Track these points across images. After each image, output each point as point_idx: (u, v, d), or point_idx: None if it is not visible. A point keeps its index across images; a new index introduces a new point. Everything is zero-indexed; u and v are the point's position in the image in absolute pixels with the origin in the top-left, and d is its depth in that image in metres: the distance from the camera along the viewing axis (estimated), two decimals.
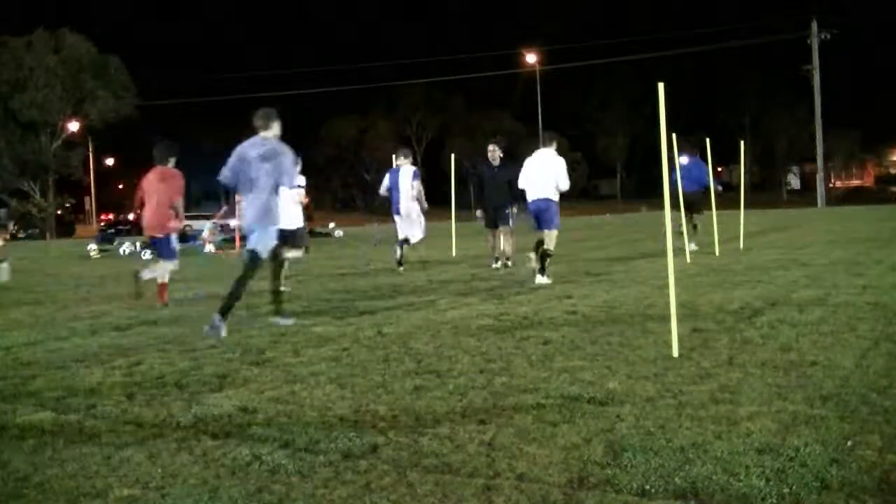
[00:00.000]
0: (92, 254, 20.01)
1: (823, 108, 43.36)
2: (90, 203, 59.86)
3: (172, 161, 8.59)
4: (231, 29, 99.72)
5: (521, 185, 9.74)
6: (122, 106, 52.10)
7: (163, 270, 8.50)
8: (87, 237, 33.64)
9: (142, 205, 8.61)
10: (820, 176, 45.39)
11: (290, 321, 6.66)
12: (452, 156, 16.75)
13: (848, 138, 66.14)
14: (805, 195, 60.74)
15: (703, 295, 7.32)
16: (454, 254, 14.49)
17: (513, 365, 4.68)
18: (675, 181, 11.54)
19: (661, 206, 5.52)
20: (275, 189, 6.74)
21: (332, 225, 33.23)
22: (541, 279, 9.04)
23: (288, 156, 6.95)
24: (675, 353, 4.69)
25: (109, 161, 67.54)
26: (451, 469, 2.97)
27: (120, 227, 47.75)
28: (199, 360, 5.18)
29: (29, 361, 5.41)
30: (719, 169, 15.29)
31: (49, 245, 31.59)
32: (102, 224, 46.57)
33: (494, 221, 11.47)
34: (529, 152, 9.88)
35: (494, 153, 11.70)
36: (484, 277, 10.12)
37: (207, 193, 78.80)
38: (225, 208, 35.80)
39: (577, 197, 68.58)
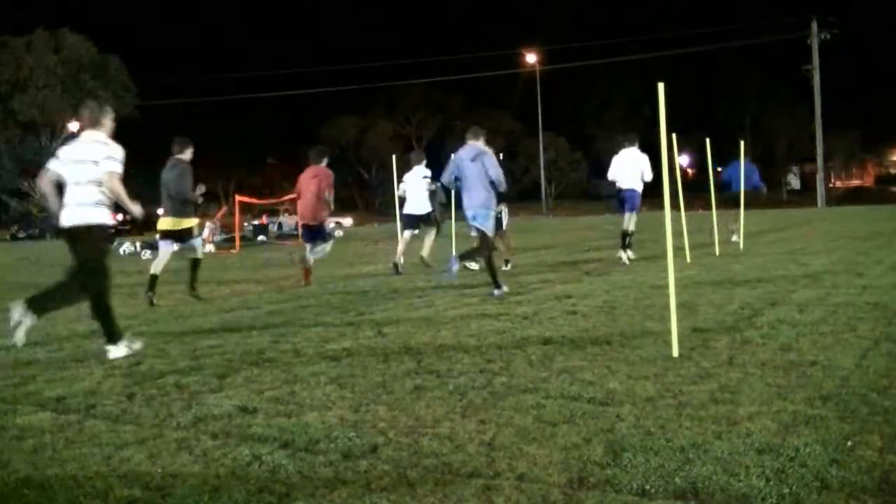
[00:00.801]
0: None
1: (823, 108, 43.40)
2: None
3: (325, 161, 9.65)
4: (231, 29, 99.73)
5: (611, 177, 11.50)
6: (122, 106, 52.05)
7: (322, 253, 10.19)
8: None
9: (298, 198, 10.20)
10: (820, 176, 45.40)
11: (503, 290, 7.94)
12: (452, 156, 16.74)
13: (848, 138, 66.16)
14: (805, 195, 60.73)
15: (703, 295, 7.32)
16: (454, 253, 14.47)
17: (513, 365, 4.68)
18: (731, 179, 14.11)
19: (661, 207, 5.52)
20: (490, 184, 8.03)
21: (332, 225, 33.24)
22: (623, 255, 10.91)
23: (490, 156, 8.19)
24: (675, 353, 4.69)
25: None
26: (451, 469, 2.97)
27: (120, 227, 47.76)
28: (199, 360, 5.18)
29: (29, 361, 5.41)
30: (719, 169, 15.47)
31: (49, 245, 31.60)
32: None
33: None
34: (615, 150, 11.92)
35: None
36: (484, 277, 10.10)
37: (206, 193, 78.87)
38: (225, 208, 35.80)
39: (576, 197, 68.71)
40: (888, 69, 66.62)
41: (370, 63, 79.83)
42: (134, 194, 5.79)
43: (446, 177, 8.68)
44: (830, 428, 3.23)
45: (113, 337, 5.48)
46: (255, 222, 32.51)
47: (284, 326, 6.52)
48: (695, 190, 22.87)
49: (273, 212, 42.36)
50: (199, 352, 5.50)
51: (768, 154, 68.74)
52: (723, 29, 75.83)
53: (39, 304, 5.79)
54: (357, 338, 5.84)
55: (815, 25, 42.95)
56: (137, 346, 5.61)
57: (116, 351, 5.42)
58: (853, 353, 4.59)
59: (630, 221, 11.38)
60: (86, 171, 5.60)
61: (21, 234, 48.91)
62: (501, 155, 18.97)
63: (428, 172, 11.76)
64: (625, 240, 11.32)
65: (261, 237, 26.06)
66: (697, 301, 6.92)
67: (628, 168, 11.47)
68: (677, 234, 10.51)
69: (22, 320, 5.64)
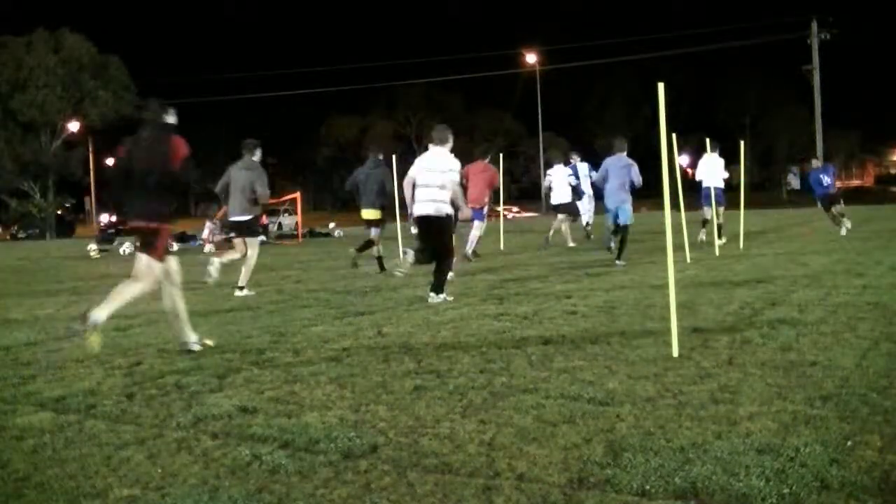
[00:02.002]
0: (92, 254, 20.02)
1: (823, 108, 43.36)
2: (90, 203, 59.86)
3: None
4: (231, 29, 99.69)
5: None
6: (122, 106, 52.11)
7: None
8: (88, 237, 33.66)
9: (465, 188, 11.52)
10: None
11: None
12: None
13: (848, 138, 66.18)
14: (805, 195, 60.67)
15: (703, 295, 7.32)
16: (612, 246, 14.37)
17: (513, 365, 4.68)
18: (819, 180, 15.65)
19: (662, 206, 5.52)
20: (630, 183, 10.77)
21: (332, 225, 33.24)
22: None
23: (634, 165, 10.80)
24: (675, 353, 4.69)
25: (109, 161, 67.52)
26: (451, 469, 2.97)
27: (120, 227, 47.80)
28: (199, 360, 5.18)
29: (29, 361, 5.41)
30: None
31: (49, 245, 31.60)
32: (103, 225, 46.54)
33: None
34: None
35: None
36: (484, 277, 10.11)
37: (206, 193, 78.92)
38: (225, 208, 35.85)
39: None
40: (888, 69, 66.52)
41: (370, 63, 79.74)
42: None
43: (598, 176, 11.58)
44: (830, 428, 3.23)
45: (439, 288, 7.75)
46: None
47: (284, 326, 6.52)
48: (694, 190, 22.88)
49: (273, 212, 42.34)
50: (199, 352, 5.50)
51: (768, 154, 68.80)
52: (723, 29, 75.74)
53: (418, 256, 7.88)
54: (357, 338, 5.84)
55: (815, 25, 42.93)
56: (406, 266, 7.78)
57: (436, 298, 7.63)
58: (853, 353, 4.59)
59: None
60: (437, 178, 7.84)
61: (21, 234, 48.88)
62: (501, 155, 19.20)
63: (570, 171, 15.30)
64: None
65: (261, 237, 26.02)
66: (697, 301, 6.92)
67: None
68: (677, 233, 10.51)
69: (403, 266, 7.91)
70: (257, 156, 9.49)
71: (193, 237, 25.44)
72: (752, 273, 9.06)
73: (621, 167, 10.81)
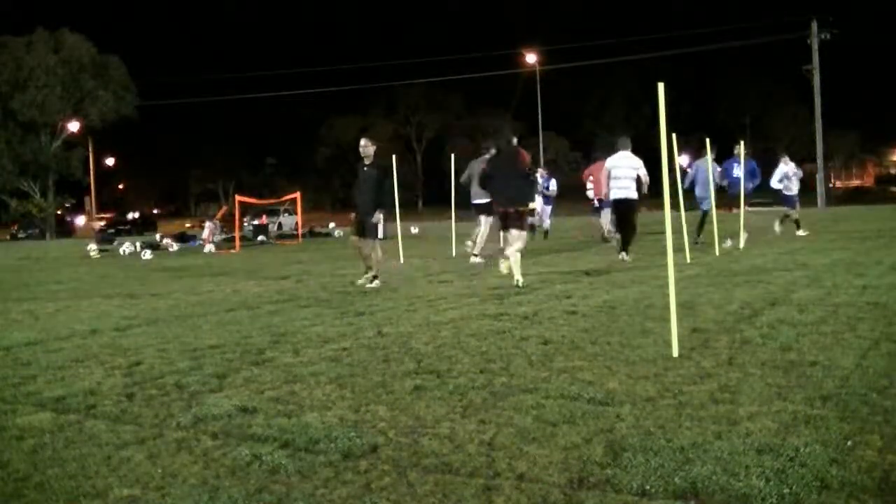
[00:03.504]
0: (92, 254, 20.02)
1: (823, 108, 43.34)
2: (90, 203, 59.89)
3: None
4: (231, 29, 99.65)
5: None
6: (122, 106, 52.09)
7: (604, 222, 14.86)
8: (88, 237, 33.67)
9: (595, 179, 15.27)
10: (820, 176, 45.34)
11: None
12: (452, 156, 16.77)
13: (848, 138, 66.13)
14: (805, 195, 60.61)
15: (703, 295, 7.32)
16: (454, 254, 14.48)
17: (513, 365, 4.68)
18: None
19: (661, 207, 5.52)
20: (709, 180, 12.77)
21: (332, 225, 33.26)
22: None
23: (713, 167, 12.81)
24: (675, 353, 4.69)
25: (109, 161, 67.59)
26: (451, 469, 2.97)
27: (120, 227, 47.82)
28: (199, 360, 5.18)
29: (29, 361, 5.41)
30: (719, 169, 15.64)
31: (49, 245, 31.61)
32: (103, 224, 46.60)
33: (361, 229, 9.78)
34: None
35: (367, 149, 9.88)
36: (484, 277, 10.11)
37: (206, 193, 78.88)
38: (225, 208, 35.78)
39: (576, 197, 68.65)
40: (888, 69, 66.42)
41: (370, 63, 79.70)
42: None
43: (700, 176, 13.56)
44: (830, 428, 3.23)
45: (626, 248, 10.81)
46: (255, 222, 32.53)
47: (284, 326, 6.52)
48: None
49: (273, 212, 42.37)
50: (199, 352, 5.50)
51: (768, 154, 68.81)
52: (723, 29, 75.67)
53: (624, 246, 11.17)
54: (357, 338, 5.84)
55: (815, 25, 42.91)
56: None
57: (626, 256, 10.61)
58: (853, 353, 4.59)
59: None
60: (627, 172, 11.52)
61: (21, 234, 48.89)
62: None
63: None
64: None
65: (261, 237, 26.05)
66: (697, 301, 6.92)
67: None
68: (677, 233, 10.51)
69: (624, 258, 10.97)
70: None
71: (193, 237, 25.44)
72: (752, 273, 9.06)
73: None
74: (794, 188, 16.29)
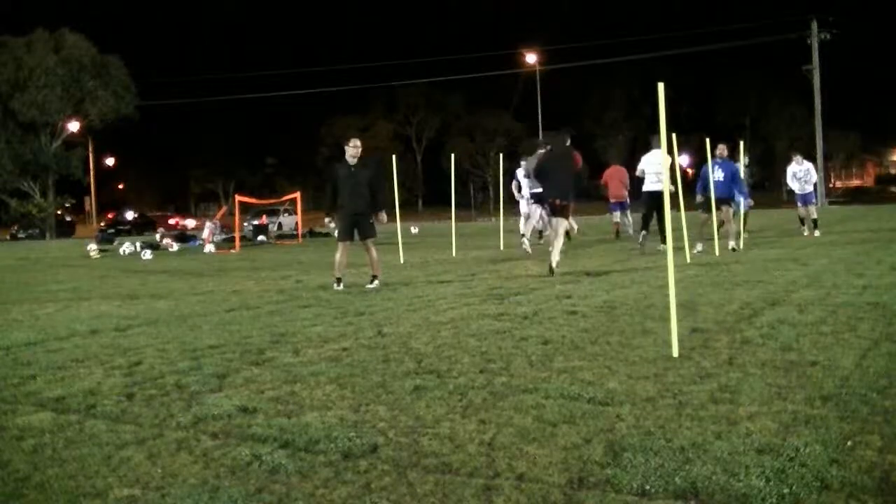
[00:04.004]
0: (92, 254, 20.01)
1: (823, 108, 43.36)
2: (90, 203, 59.85)
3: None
4: (231, 29, 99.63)
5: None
6: (122, 106, 52.03)
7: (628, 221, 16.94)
8: (88, 237, 33.66)
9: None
10: (820, 176, 45.33)
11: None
12: (452, 156, 16.77)
13: (848, 138, 66.12)
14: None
15: (703, 295, 7.32)
16: (454, 254, 14.49)
17: (513, 365, 4.68)
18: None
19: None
20: (734, 177, 12.84)
21: (332, 225, 33.22)
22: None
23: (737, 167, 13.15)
24: (675, 353, 4.69)
25: (109, 161, 67.61)
26: (451, 469, 2.97)
27: (120, 227, 47.78)
28: (199, 360, 5.18)
29: (29, 361, 5.41)
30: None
31: (49, 245, 31.61)
32: (103, 225, 46.60)
33: (351, 232, 9.73)
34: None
35: (359, 150, 9.85)
36: (484, 277, 10.12)
37: (206, 193, 78.88)
38: (225, 208, 35.76)
39: (576, 197, 68.62)
40: (888, 69, 66.41)
41: (370, 63, 79.68)
42: None
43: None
44: (830, 428, 3.23)
45: (664, 240, 8.94)
46: (255, 222, 32.53)
47: (284, 326, 6.52)
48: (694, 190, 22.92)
49: (273, 212, 42.37)
50: (199, 352, 5.50)
51: (768, 154, 68.85)
52: (723, 29, 75.66)
53: (662, 237, 11.25)
54: (357, 338, 5.84)
55: (815, 25, 42.91)
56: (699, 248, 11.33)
57: (664, 246, 9.79)
58: (853, 353, 4.59)
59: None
60: (658, 168, 12.52)
61: (21, 234, 48.87)
62: (501, 155, 19.49)
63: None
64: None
65: (261, 237, 26.04)
66: (697, 301, 6.92)
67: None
68: (676, 233, 10.52)
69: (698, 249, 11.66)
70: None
71: (193, 237, 25.43)
72: (752, 273, 9.06)
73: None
74: (806, 187, 16.08)
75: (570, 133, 10.91)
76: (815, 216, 16.00)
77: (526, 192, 14.81)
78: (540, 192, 12.45)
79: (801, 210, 16.23)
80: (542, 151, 12.69)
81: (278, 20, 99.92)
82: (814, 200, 16.30)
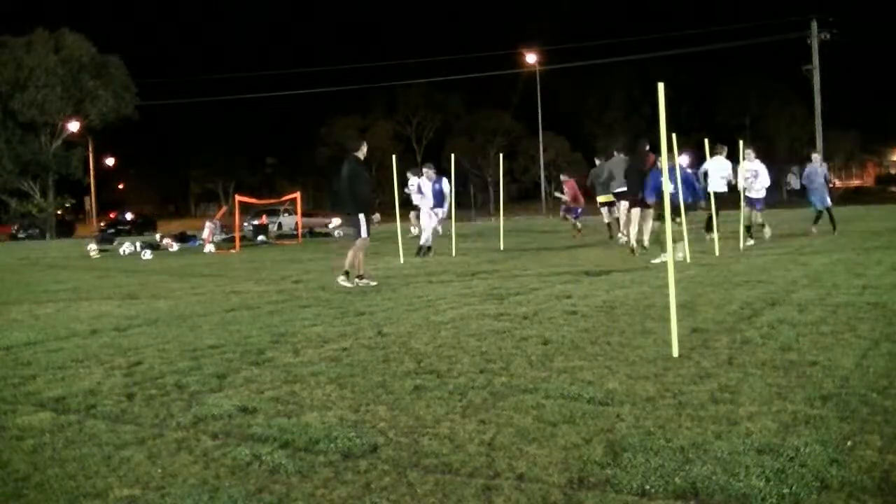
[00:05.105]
0: (92, 254, 20.02)
1: (823, 108, 43.34)
2: (90, 203, 59.84)
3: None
4: (231, 29, 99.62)
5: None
6: (122, 106, 52.04)
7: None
8: (87, 237, 33.67)
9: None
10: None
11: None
12: (452, 156, 16.77)
13: (848, 138, 66.08)
14: (805, 195, 60.57)
15: (703, 295, 7.32)
16: (454, 254, 14.49)
17: (513, 365, 4.68)
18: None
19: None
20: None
21: (332, 224, 33.24)
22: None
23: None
24: (675, 353, 4.69)
25: (109, 161, 67.58)
26: (451, 469, 2.98)
27: (120, 227, 47.78)
28: (199, 360, 5.18)
29: (29, 361, 5.41)
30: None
31: (49, 245, 31.61)
32: (103, 225, 46.60)
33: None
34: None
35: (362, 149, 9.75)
36: (484, 277, 10.12)
37: (206, 193, 78.86)
38: (225, 208, 35.81)
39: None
40: (888, 69, 66.36)
41: (370, 63, 79.66)
42: None
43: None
44: (830, 428, 3.23)
45: (709, 227, 11.59)
46: (255, 222, 32.52)
47: (284, 326, 6.52)
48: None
49: (273, 212, 42.37)
50: (199, 352, 5.50)
51: (768, 154, 68.79)
52: (723, 29, 75.62)
53: (708, 227, 12.78)
54: (357, 338, 5.84)
55: (815, 25, 42.89)
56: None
57: (709, 235, 12.37)
58: (853, 353, 4.59)
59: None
60: (721, 171, 13.65)
61: (21, 234, 48.88)
62: (501, 155, 19.48)
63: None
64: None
65: (261, 237, 26.05)
66: (697, 301, 6.92)
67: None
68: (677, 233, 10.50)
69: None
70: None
71: (193, 237, 25.43)
72: (752, 273, 9.06)
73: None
74: (753, 187, 14.43)
75: (647, 141, 12.90)
76: (760, 221, 14.42)
77: (425, 201, 15.16)
78: (623, 192, 14.08)
79: (744, 210, 13.65)
80: (621, 156, 14.51)
81: (278, 20, 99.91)
82: (759, 207, 14.30)
